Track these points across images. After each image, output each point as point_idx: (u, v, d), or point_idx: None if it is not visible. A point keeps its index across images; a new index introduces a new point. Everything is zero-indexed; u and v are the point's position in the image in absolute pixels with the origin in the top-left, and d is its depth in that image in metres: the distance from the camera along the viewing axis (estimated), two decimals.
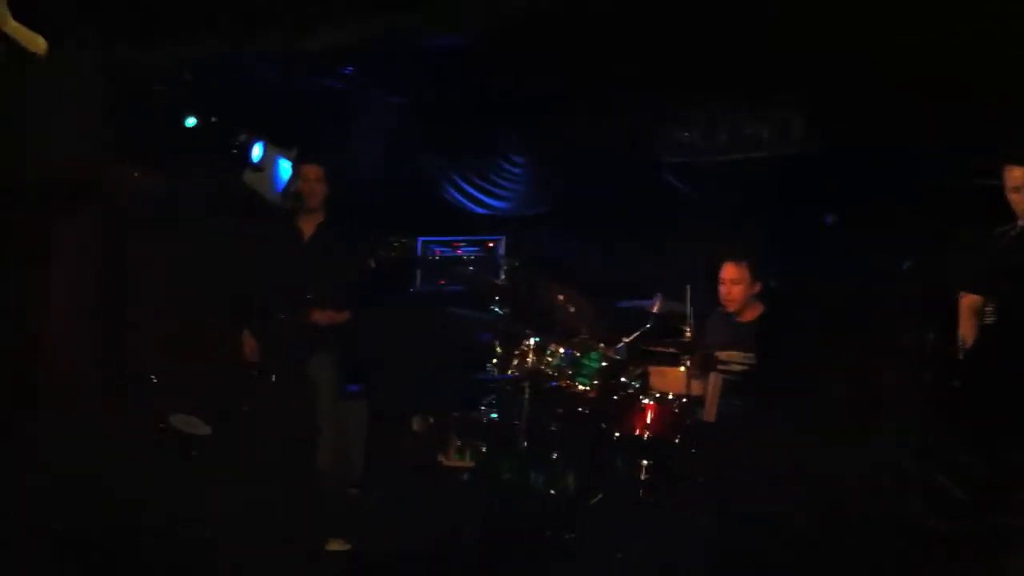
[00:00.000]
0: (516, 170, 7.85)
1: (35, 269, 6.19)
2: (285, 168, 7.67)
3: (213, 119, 6.91)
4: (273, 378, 5.58)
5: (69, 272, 6.45)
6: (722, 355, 5.66)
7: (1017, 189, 4.66)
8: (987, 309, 4.80)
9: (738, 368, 5.63)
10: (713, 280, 5.92)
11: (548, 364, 5.82)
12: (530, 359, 5.83)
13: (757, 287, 5.82)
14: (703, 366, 5.62)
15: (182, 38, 6.00)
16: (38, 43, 3.58)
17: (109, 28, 5.82)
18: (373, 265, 5.46)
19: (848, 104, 6.43)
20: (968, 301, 4.87)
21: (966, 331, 4.86)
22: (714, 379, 5.56)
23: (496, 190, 7.90)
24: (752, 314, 5.86)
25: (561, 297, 6.10)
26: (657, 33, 6.18)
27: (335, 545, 5.49)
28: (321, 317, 5.52)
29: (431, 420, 6.94)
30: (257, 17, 5.84)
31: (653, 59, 6.52)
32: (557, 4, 5.80)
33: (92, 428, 5.66)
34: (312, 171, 5.80)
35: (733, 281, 5.80)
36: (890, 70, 6.04)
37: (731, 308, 5.82)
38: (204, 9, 5.79)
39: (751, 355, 5.64)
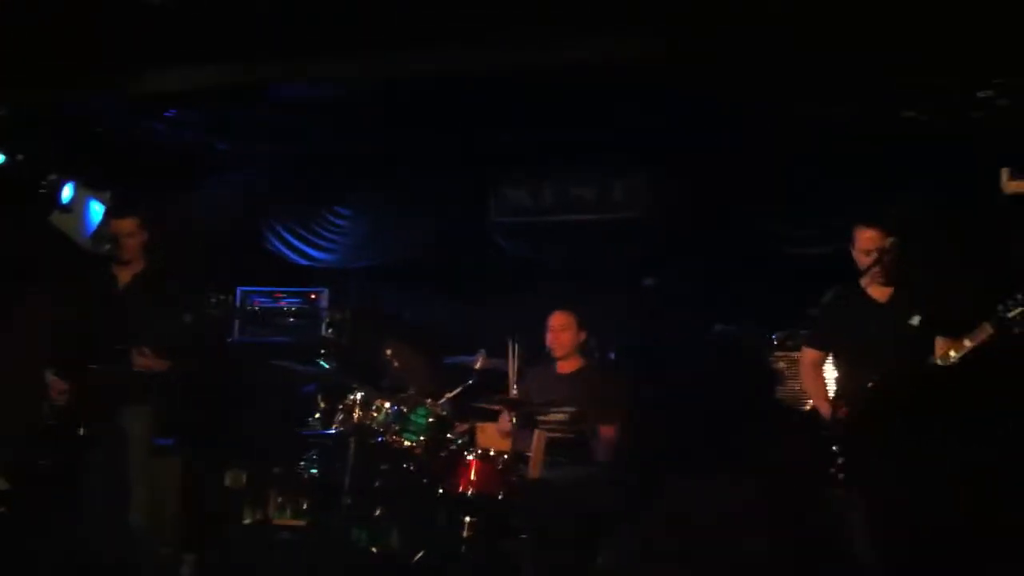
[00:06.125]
0: (341, 222, 7.81)
1: None
2: (96, 211, 7.36)
3: (19, 156, 6.58)
4: (82, 431, 5.32)
5: None
6: (542, 411, 5.75)
7: (867, 251, 4.89)
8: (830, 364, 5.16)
9: (558, 422, 5.73)
10: (537, 336, 6.02)
11: (374, 419, 5.82)
12: (356, 414, 5.81)
13: (583, 336, 5.99)
14: (523, 422, 5.70)
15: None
16: None
17: None
18: (189, 321, 5.29)
19: (676, 168, 6.75)
20: (810, 356, 5.19)
21: (809, 384, 5.18)
22: (538, 435, 5.62)
23: (320, 241, 7.82)
24: (572, 366, 6.00)
25: (388, 351, 6.10)
26: (489, 95, 6.32)
27: None
28: (142, 361, 5.31)
29: (244, 476, 6.74)
30: (87, 57, 5.62)
31: (483, 120, 6.66)
32: (393, 69, 5.85)
33: None
34: (125, 225, 5.51)
35: (562, 328, 5.97)
36: (722, 138, 6.37)
37: (558, 353, 5.97)
38: (33, 45, 5.54)
39: (570, 410, 5.73)
